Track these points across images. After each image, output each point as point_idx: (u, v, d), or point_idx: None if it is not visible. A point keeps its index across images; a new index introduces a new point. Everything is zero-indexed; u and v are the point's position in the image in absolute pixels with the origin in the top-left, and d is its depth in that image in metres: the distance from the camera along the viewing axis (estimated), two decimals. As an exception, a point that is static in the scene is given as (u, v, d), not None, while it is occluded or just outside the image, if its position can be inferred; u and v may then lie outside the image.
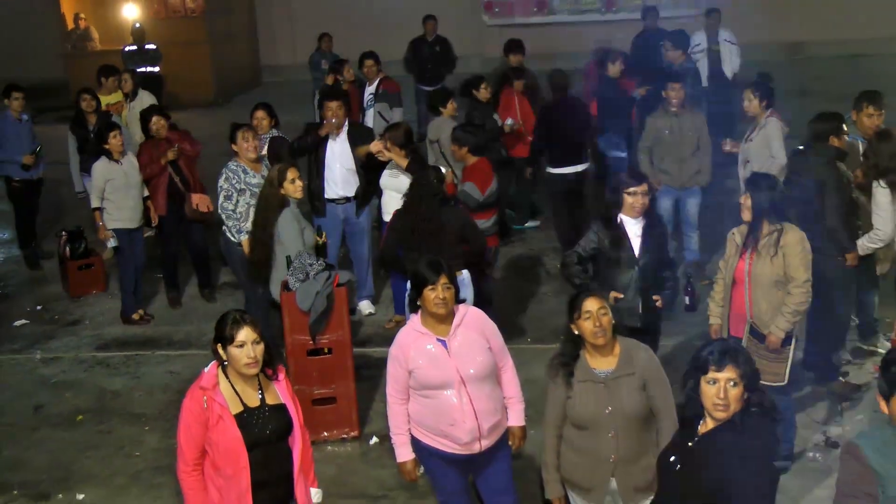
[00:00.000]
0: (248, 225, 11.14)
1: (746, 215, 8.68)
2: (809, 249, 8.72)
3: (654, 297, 9.08)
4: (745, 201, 8.69)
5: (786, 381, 8.83)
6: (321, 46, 20.13)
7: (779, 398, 8.13)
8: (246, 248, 11.26)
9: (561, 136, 14.00)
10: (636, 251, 8.98)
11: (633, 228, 8.97)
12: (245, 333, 6.35)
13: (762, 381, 6.89)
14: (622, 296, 8.82)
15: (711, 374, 5.52)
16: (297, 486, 6.74)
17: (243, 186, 11.32)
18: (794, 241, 8.68)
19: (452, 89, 14.92)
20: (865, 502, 5.19)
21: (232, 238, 11.48)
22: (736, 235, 8.86)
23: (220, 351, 6.44)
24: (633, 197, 8.88)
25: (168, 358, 12.16)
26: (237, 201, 11.36)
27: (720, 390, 5.50)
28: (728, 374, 5.51)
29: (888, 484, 5.15)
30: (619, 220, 8.96)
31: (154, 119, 13.28)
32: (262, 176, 11.27)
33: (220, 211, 11.53)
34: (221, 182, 11.45)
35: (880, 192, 9.72)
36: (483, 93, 14.65)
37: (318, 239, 10.49)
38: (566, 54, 17.44)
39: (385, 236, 10.95)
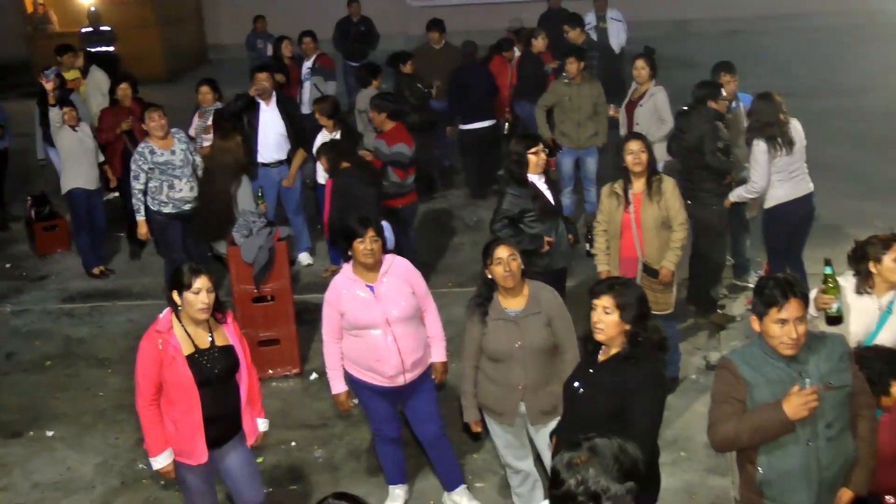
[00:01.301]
0: (164, 198, 11.07)
1: (638, 168, 8.78)
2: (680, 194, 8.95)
3: (569, 236, 9.20)
4: (638, 157, 8.78)
5: (672, 310, 9.04)
6: (256, 27, 19.99)
7: (667, 325, 8.43)
8: (142, 227, 11.26)
9: (470, 96, 14.46)
10: (552, 201, 9.05)
11: (540, 184, 9.02)
12: (201, 281, 6.42)
13: (655, 311, 7.45)
14: (552, 239, 8.90)
15: (593, 302, 5.74)
16: (244, 417, 6.83)
17: (151, 166, 11.05)
18: (671, 187, 8.88)
19: (379, 64, 14.90)
20: (735, 407, 5.38)
21: (139, 213, 11.31)
22: (616, 188, 8.94)
23: (176, 297, 6.47)
24: (536, 156, 8.92)
25: (128, 308, 12.10)
26: (146, 180, 11.13)
27: (596, 314, 5.72)
28: (604, 302, 5.69)
29: (755, 392, 5.34)
30: (530, 180, 9.00)
31: (122, 86, 13.26)
32: (172, 151, 11.09)
33: (131, 189, 11.32)
34: (131, 163, 11.27)
35: (758, 147, 9.81)
36: (408, 67, 14.80)
37: (260, 203, 10.50)
38: (482, 32, 17.38)
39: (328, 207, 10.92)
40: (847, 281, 6.80)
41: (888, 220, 11.37)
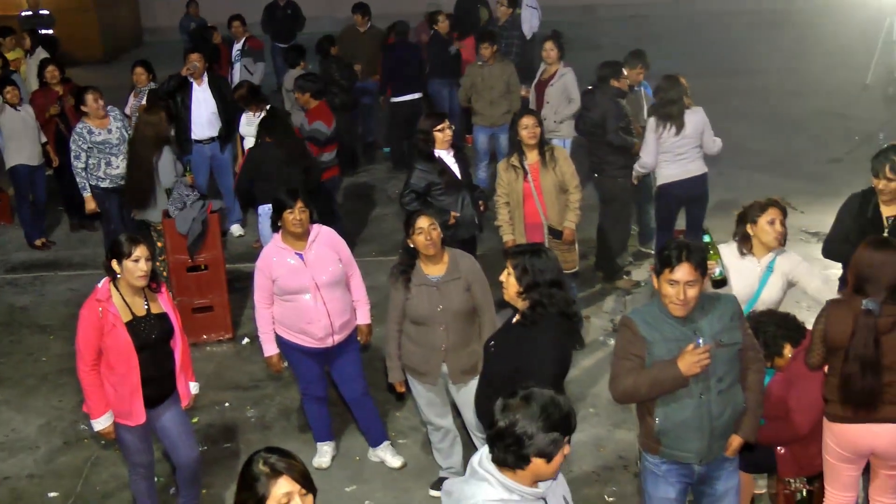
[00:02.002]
0: (101, 174, 11.01)
1: (532, 140, 8.90)
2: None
3: (480, 204, 9.22)
4: (533, 131, 8.90)
5: (577, 268, 9.27)
6: (189, 11, 19.80)
7: (570, 281, 8.80)
8: (89, 203, 11.15)
9: (400, 70, 14.51)
10: (458, 176, 9.07)
11: (448, 159, 9.03)
12: (140, 250, 6.40)
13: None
14: (458, 214, 8.90)
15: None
16: (178, 381, 6.83)
17: (90, 145, 10.97)
18: (563, 155, 9.15)
19: (306, 47, 14.81)
20: (634, 362, 5.46)
21: (84, 189, 11.16)
22: (513, 161, 9.03)
23: (116, 266, 6.43)
24: (443, 133, 8.95)
25: (69, 277, 11.92)
26: (87, 158, 11.03)
27: (502, 276, 5.83)
28: (508, 266, 5.79)
29: (653, 348, 5.42)
30: (437, 155, 9.01)
31: (49, 68, 13.04)
32: (108, 130, 11.02)
33: (73, 169, 11.20)
34: (71, 144, 11.13)
35: (648, 125, 9.93)
36: (333, 49, 14.75)
37: (188, 177, 10.42)
38: (403, 15, 17.29)
39: (239, 173, 10.93)
40: (729, 246, 6.93)
41: (778, 190, 11.58)
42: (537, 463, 4.09)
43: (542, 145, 9.01)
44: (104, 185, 11.04)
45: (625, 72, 10.69)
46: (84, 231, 13.29)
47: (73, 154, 11.04)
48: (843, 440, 6.05)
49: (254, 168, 10.32)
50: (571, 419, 4.14)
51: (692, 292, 5.31)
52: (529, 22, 16.67)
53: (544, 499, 4.27)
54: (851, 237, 7.12)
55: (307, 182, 10.32)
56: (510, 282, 5.79)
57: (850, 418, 5.95)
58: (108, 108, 11.17)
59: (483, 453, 4.23)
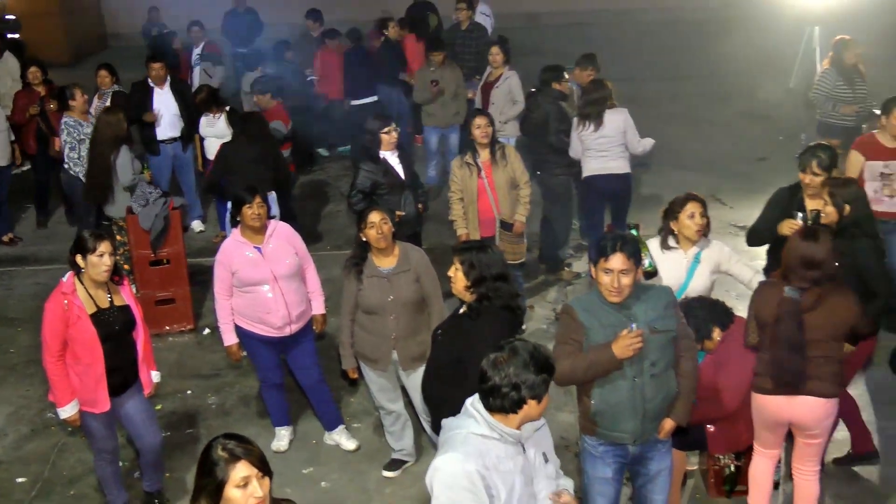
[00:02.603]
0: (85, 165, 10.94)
1: (485, 140, 8.96)
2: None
3: (419, 206, 9.23)
4: (485, 130, 8.95)
5: (524, 259, 9.34)
6: (151, 17, 19.59)
7: (519, 277, 8.95)
8: None
9: (357, 75, 14.44)
10: (402, 176, 9.05)
11: (392, 159, 9.02)
12: (104, 246, 6.40)
13: (511, 262, 7.92)
14: (403, 213, 8.88)
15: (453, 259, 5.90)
16: (140, 370, 6.82)
17: (83, 136, 11.02)
18: (513, 153, 9.21)
19: (266, 51, 14.75)
20: (573, 346, 5.51)
21: (80, 179, 11.07)
22: (467, 160, 9.06)
23: (80, 261, 6.41)
24: (388, 135, 8.94)
25: (36, 272, 11.76)
26: (80, 149, 11.06)
27: (451, 271, 5.86)
28: (455, 261, 5.83)
29: (591, 333, 5.48)
30: (381, 157, 8.99)
31: (32, 69, 12.87)
32: (91, 124, 10.99)
33: (67, 161, 11.22)
34: (64, 137, 11.16)
35: (573, 123, 10.08)
36: (289, 54, 14.74)
37: (146, 174, 10.37)
38: (356, 21, 17.20)
39: (210, 169, 10.89)
40: (656, 241, 7.03)
41: (708, 188, 11.72)
42: (530, 404, 4.38)
43: (494, 144, 9.06)
44: (83, 175, 11.03)
45: (566, 76, 10.76)
46: (51, 226, 13.12)
47: (68, 146, 11.12)
48: (766, 411, 6.24)
49: (225, 163, 10.37)
50: (552, 360, 4.46)
51: (626, 280, 5.36)
52: (489, 27, 16.68)
53: (522, 444, 4.51)
54: (774, 228, 7.25)
55: (276, 180, 10.46)
56: (458, 277, 5.83)
57: (772, 391, 6.11)
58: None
59: (476, 396, 4.48)
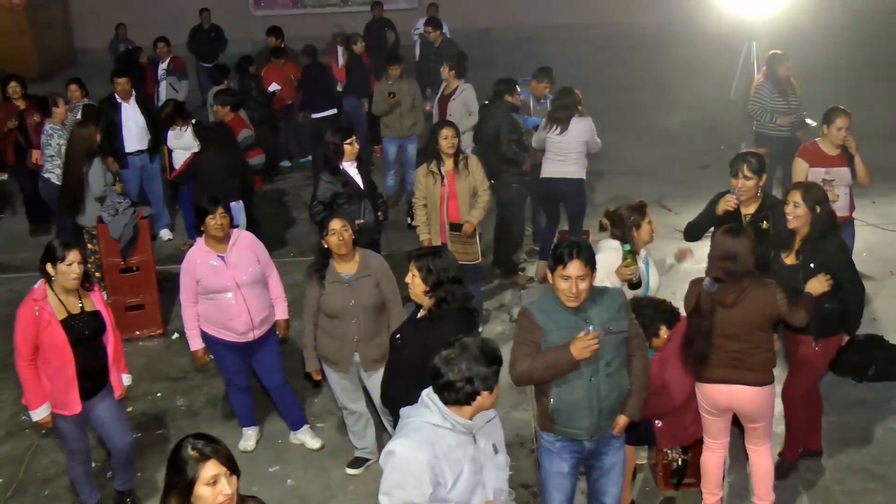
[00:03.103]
0: None
1: (451, 150, 8.97)
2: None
3: (378, 214, 9.15)
4: (451, 141, 8.95)
5: (479, 259, 9.31)
6: (118, 34, 19.47)
7: (475, 273, 9.15)
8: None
9: (317, 89, 14.52)
10: (361, 186, 9.00)
11: (352, 170, 8.95)
12: (73, 255, 6.37)
13: (465, 261, 8.11)
14: (363, 221, 8.83)
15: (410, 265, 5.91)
16: (111, 373, 6.78)
17: (62, 143, 10.96)
18: (475, 162, 9.23)
19: (229, 66, 14.69)
20: (531, 348, 5.53)
21: (57, 183, 10.98)
22: (432, 168, 9.05)
23: (50, 269, 6.37)
24: (351, 146, 8.87)
25: (8, 280, 11.59)
26: (62, 156, 10.98)
27: (408, 277, 5.86)
28: (412, 268, 5.83)
29: (548, 335, 5.49)
30: (341, 167, 8.93)
31: (12, 84, 12.57)
32: (68, 132, 10.93)
33: (49, 167, 11.16)
34: (48, 141, 11.11)
35: (542, 123, 10.28)
36: (252, 69, 14.73)
37: (117, 186, 10.29)
38: (315, 37, 17.19)
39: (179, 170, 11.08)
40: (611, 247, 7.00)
41: (654, 194, 11.80)
42: (483, 395, 4.51)
43: (458, 154, 9.07)
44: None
45: (519, 88, 10.79)
46: (23, 236, 12.96)
47: (51, 150, 11.12)
48: (706, 398, 6.41)
49: (195, 169, 10.49)
50: (499, 353, 4.56)
51: (583, 286, 5.38)
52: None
53: (474, 435, 4.58)
54: (709, 227, 7.43)
55: (242, 188, 10.57)
56: (416, 282, 5.82)
57: (710, 379, 6.29)
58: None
59: (431, 388, 4.56)
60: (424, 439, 4.43)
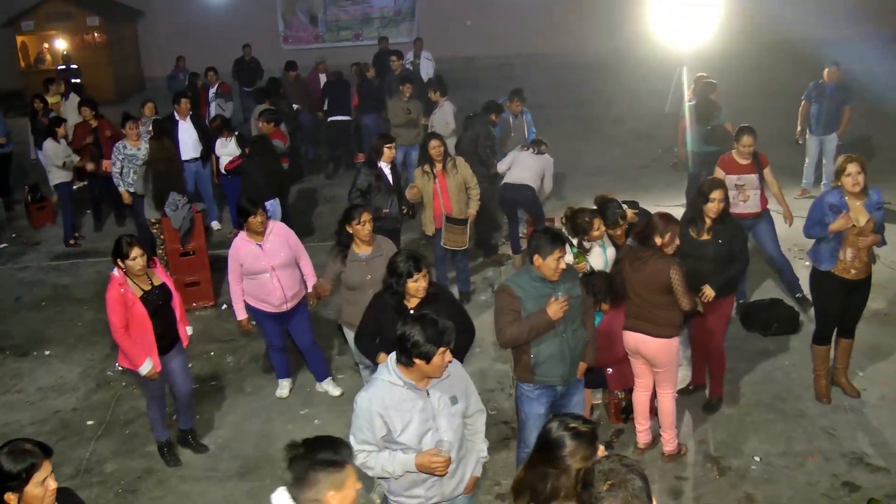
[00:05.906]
0: (130, 180, 10.88)
1: (438, 157, 8.88)
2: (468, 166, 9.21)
3: (403, 208, 9.11)
4: (438, 149, 8.86)
5: (468, 246, 9.21)
6: (178, 65, 19.32)
7: (464, 260, 9.21)
8: (124, 196, 11.04)
9: (335, 98, 14.74)
10: (391, 182, 8.92)
11: (386, 169, 8.89)
12: (136, 251, 6.30)
13: (456, 248, 8.52)
14: (388, 210, 8.77)
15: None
16: (179, 328, 6.76)
17: (123, 156, 10.95)
18: (462, 163, 9.15)
19: (270, 90, 14.58)
20: (513, 316, 5.50)
21: (119, 189, 11.14)
22: (426, 169, 8.98)
23: (120, 263, 6.34)
24: (389, 150, 8.85)
25: (96, 263, 11.53)
26: (121, 167, 10.97)
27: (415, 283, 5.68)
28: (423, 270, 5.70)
29: (526, 304, 5.49)
30: (379, 165, 8.86)
31: (84, 109, 12.63)
32: (138, 148, 10.91)
33: (116, 179, 11.13)
34: (116, 161, 11.03)
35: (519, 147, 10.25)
36: (281, 90, 14.81)
37: None
38: (332, 65, 16.99)
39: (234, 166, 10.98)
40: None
41: (605, 189, 11.64)
42: (419, 363, 4.26)
43: (446, 158, 8.98)
44: (131, 190, 10.89)
45: (505, 108, 10.86)
46: (106, 227, 12.94)
47: (112, 162, 11.07)
48: (625, 342, 6.48)
49: (242, 171, 10.51)
50: (444, 336, 4.26)
51: (563, 264, 5.45)
52: (426, 70, 16.63)
53: (428, 391, 4.43)
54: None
55: (281, 187, 10.61)
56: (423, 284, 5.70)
57: (625, 327, 6.41)
58: (143, 133, 11.13)
59: (393, 354, 4.40)
60: (377, 393, 4.40)
